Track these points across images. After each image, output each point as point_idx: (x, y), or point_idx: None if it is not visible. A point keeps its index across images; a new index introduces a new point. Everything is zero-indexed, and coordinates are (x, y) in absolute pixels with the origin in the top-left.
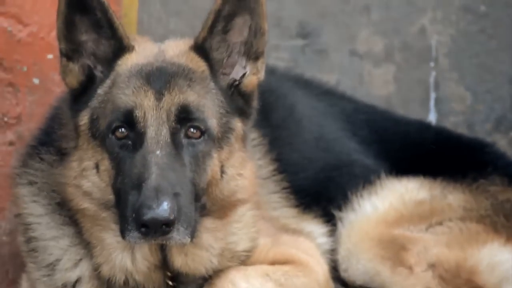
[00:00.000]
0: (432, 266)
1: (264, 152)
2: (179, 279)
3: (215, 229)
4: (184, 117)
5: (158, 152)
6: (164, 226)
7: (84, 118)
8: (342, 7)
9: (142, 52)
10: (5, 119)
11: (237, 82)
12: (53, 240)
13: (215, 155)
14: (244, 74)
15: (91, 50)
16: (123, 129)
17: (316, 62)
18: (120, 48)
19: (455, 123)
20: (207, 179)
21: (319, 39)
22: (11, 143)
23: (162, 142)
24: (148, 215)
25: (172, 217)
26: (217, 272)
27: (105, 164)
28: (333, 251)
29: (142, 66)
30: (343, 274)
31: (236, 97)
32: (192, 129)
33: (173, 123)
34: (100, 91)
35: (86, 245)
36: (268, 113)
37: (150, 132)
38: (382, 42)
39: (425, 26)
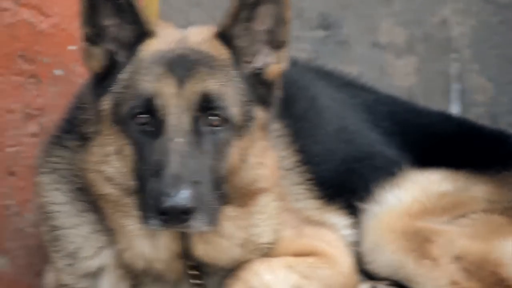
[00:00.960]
0: (456, 258)
1: (286, 143)
2: (201, 269)
3: (236, 218)
4: (206, 105)
5: (178, 139)
6: (183, 214)
7: (105, 103)
8: None
9: (165, 38)
10: (28, 110)
11: (259, 71)
12: (74, 228)
13: (235, 143)
14: (266, 63)
15: (114, 34)
16: (144, 115)
17: (337, 54)
18: (142, 33)
19: (478, 115)
20: (227, 167)
21: (340, 30)
22: (33, 135)
23: (182, 129)
24: (167, 203)
25: (191, 205)
26: (241, 264)
27: (127, 150)
28: (357, 243)
29: (164, 53)
30: (367, 267)
31: (258, 86)
32: (213, 117)
33: (194, 111)
34: (121, 76)
35: (108, 231)
36: (290, 104)
37: (171, 120)
38: (404, 33)
39: (446, 17)
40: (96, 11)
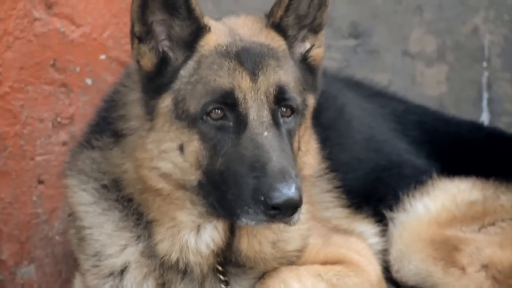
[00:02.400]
0: (485, 266)
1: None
2: (229, 270)
3: None
4: (280, 97)
5: (266, 133)
6: (294, 208)
7: (166, 100)
8: (394, 7)
9: (219, 32)
10: (58, 119)
11: (306, 57)
12: (99, 227)
13: (297, 132)
14: (310, 48)
15: (166, 31)
16: (219, 111)
17: (368, 62)
18: (199, 28)
19: (508, 123)
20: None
21: (371, 39)
22: (64, 144)
23: (266, 123)
24: (281, 198)
25: (301, 199)
26: (269, 272)
27: (194, 145)
28: (385, 252)
29: (228, 47)
30: (395, 275)
31: (307, 73)
32: (285, 108)
33: (272, 103)
34: (183, 72)
35: (132, 229)
36: (318, 113)
37: (252, 114)
38: (435, 42)
39: (477, 26)
40: (147, 9)
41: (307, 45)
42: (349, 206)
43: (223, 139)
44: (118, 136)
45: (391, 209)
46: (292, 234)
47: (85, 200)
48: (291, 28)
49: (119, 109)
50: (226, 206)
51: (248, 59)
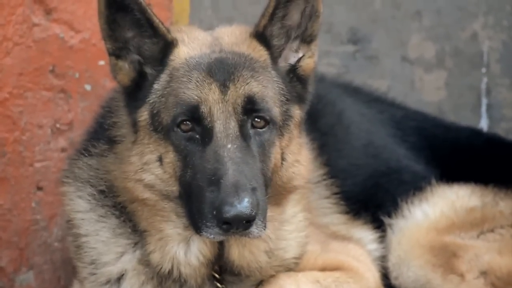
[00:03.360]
0: (483, 273)
1: (313, 156)
2: (226, 278)
3: (272, 218)
4: (250, 108)
5: (229, 146)
6: (246, 222)
7: (143, 114)
8: (393, 13)
9: (194, 43)
10: (57, 125)
11: (295, 67)
12: (95, 234)
13: (277, 143)
14: (300, 59)
15: (138, 46)
16: (188, 122)
17: (367, 68)
18: (166, 44)
19: (507, 129)
20: (271, 167)
21: (370, 45)
22: (63, 150)
23: (231, 135)
24: (231, 212)
25: (253, 213)
26: (265, 277)
27: (170, 157)
28: (383, 258)
29: (200, 58)
30: (394, 282)
31: (294, 83)
32: (257, 119)
33: (240, 115)
34: (157, 86)
35: (129, 235)
36: (316, 119)
37: (218, 126)
38: (434, 48)
39: (476, 32)
40: (116, 26)
41: (297, 55)
42: (347, 212)
43: (192, 151)
44: (112, 142)
45: (389, 216)
46: (290, 242)
47: (82, 208)
48: (276, 37)
49: (113, 116)
50: (191, 218)
51: (219, 70)
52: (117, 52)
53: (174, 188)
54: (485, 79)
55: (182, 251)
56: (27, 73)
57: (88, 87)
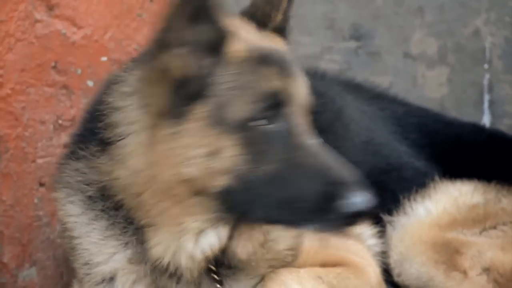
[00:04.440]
0: (486, 270)
1: None
2: (221, 271)
3: None
4: (313, 101)
5: (311, 140)
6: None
7: (202, 107)
8: (395, 9)
9: (246, 34)
10: (60, 121)
11: None
12: (86, 237)
13: None
14: None
15: (193, 39)
16: (265, 115)
17: (369, 64)
18: (223, 35)
19: (510, 126)
20: None
21: (372, 41)
22: (65, 146)
23: (313, 128)
24: (360, 206)
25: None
26: (269, 274)
27: (233, 151)
28: (383, 254)
29: (259, 50)
30: (397, 279)
31: None
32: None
33: (310, 107)
34: (218, 79)
35: (118, 237)
36: (315, 116)
37: (296, 119)
38: (436, 44)
39: (479, 28)
40: (180, 16)
41: None
42: None
43: (273, 145)
44: (105, 144)
45: (390, 213)
46: (280, 233)
47: (74, 212)
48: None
49: (105, 117)
50: (276, 212)
51: (283, 62)
52: (173, 43)
53: (219, 183)
54: (487, 75)
55: (191, 244)
56: (29, 69)
57: (90, 83)
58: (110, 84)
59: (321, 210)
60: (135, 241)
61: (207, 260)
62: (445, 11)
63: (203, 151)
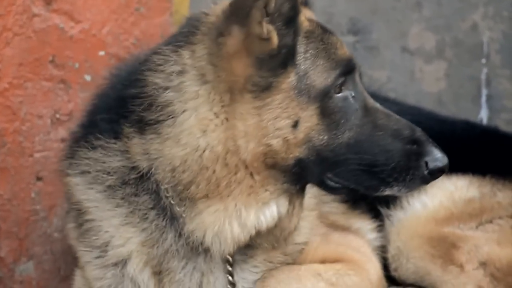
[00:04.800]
0: (483, 264)
1: None
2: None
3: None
4: None
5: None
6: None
7: (289, 76)
8: (393, 3)
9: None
10: (57, 115)
11: None
12: (107, 220)
13: None
14: None
15: (276, 10)
16: (344, 83)
17: (367, 59)
18: (299, 3)
19: (507, 120)
20: None
21: (370, 36)
22: (63, 140)
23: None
24: (443, 161)
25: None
26: (270, 271)
27: (312, 121)
28: (383, 248)
29: (316, 21)
30: (394, 273)
31: None
32: None
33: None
34: (299, 48)
35: (136, 224)
36: None
37: (361, 85)
38: (434, 39)
39: (476, 22)
40: None
41: None
42: (346, 201)
43: (350, 111)
44: (146, 124)
45: (387, 206)
46: (303, 223)
47: (93, 197)
48: None
49: (147, 99)
50: (358, 177)
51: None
52: (272, 12)
53: (294, 154)
54: (485, 70)
55: (252, 216)
56: (27, 63)
57: (88, 78)
58: (143, 67)
59: (408, 168)
60: (153, 227)
61: (251, 237)
62: (443, 5)
63: (289, 122)
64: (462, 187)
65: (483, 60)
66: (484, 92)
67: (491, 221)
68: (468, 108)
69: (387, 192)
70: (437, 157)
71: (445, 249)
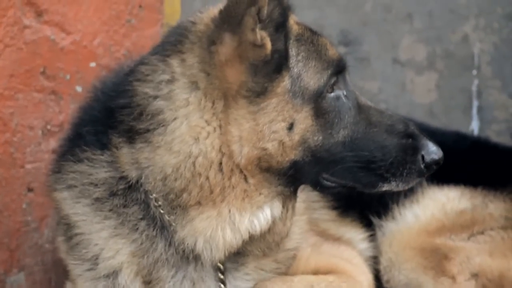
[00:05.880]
0: (475, 275)
1: None
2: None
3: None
4: None
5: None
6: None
7: (284, 80)
8: (384, 15)
9: None
10: (48, 127)
11: None
12: (96, 233)
13: None
14: None
15: (268, 16)
16: (336, 82)
17: (358, 70)
18: (286, 8)
19: (498, 131)
20: None
21: (361, 47)
22: (54, 151)
23: None
24: (438, 154)
25: None
26: (263, 281)
27: (306, 122)
28: (375, 259)
29: (306, 25)
30: (386, 285)
31: None
32: None
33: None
34: (292, 52)
35: (126, 236)
36: None
37: (350, 82)
38: (425, 50)
39: (467, 34)
40: None
41: None
42: (335, 208)
43: (343, 110)
44: (136, 134)
45: (379, 216)
46: (294, 228)
47: (81, 211)
48: None
49: (136, 108)
50: (355, 175)
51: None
52: (265, 17)
53: (290, 157)
54: (476, 81)
55: (246, 221)
56: (18, 74)
57: (79, 89)
58: (131, 78)
59: (405, 163)
60: (144, 238)
61: (243, 243)
62: (434, 17)
63: (284, 125)
64: (454, 199)
65: (474, 72)
66: (475, 103)
67: (482, 232)
68: (459, 119)
69: (385, 188)
70: (432, 150)
71: (437, 260)
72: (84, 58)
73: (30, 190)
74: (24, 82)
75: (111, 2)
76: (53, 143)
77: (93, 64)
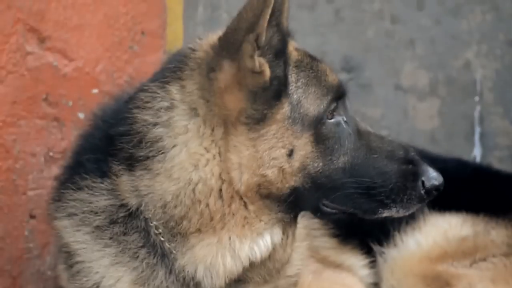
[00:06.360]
0: None
1: None
2: None
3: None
4: None
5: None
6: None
7: (283, 107)
8: (386, 41)
9: None
10: (51, 153)
11: None
12: (97, 261)
13: None
14: None
15: (267, 43)
16: (337, 109)
17: (360, 96)
18: (285, 34)
19: (500, 158)
20: None
21: (363, 73)
22: (56, 178)
23: None
24: (439, 180)
25: None
26: None
27: (306, 149)
28: (375, 285)
29: (305, 51)
30: None
31: None
32: None
33: None
34: (292, 79)
35: (126, 263)
36: None
37: (349, 108)
38: (427, 76)
39: (469, 60)
40: (271, 17)
41: None
42: (336, 236)
43: (343, 136)
44: (135, 161)
45: (380, 243)
46: (294, 255)
47: (82, 239)
48: None
49: (135, 136)
50: (355, 201)
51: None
52: (263, 45)
53: (290, 183)
54: (478, 108)
55: (246, 248)
56: (21, 101)
57: (81, 116)
58: (130, 105)
59: (406, 189)
60: (144, 266)
61: (243, 270)
62: (436, 43)
63: (283, 151)
64: (456, 225)
65: (476, 98)
66: (477, 130)
67: (485, 259)
68: (461, 146)
69: (385, 214)
70: (432, 175)
71: (439, 287)
72: (87, 84)
73: (32, 217)
74: (27, 108)
75: (114, 29)
76: (55, 170)
77: (95, 91)
